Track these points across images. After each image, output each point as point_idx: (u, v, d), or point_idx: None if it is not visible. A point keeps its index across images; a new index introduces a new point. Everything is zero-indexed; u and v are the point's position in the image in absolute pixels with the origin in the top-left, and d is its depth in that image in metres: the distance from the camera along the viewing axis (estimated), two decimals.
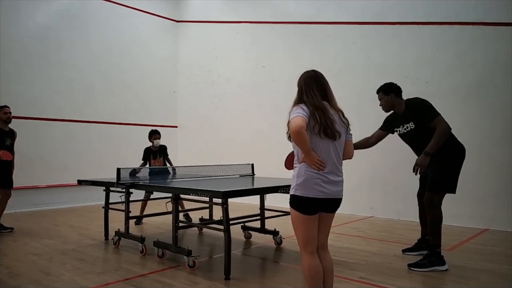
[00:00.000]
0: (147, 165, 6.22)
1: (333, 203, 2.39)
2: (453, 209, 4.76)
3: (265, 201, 4.84)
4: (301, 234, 2.37)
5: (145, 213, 6.00)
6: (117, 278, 3.47)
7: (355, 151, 2.60)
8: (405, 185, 5.97)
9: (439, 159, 3.62)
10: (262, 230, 4.84)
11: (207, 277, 3.47)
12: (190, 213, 6.06)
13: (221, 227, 3.51)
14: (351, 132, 2.50)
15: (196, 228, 5.59)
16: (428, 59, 6.26)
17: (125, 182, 4.38)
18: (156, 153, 6.27)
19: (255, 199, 4.81)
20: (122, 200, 4.54)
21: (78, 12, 8.52)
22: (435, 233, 3.64)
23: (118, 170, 4.49)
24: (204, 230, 5.55)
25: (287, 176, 2.88)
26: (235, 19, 9.12)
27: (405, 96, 3.96)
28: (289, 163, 2.60)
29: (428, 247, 3.75)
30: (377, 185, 6.73)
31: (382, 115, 4.13)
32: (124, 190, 4.44)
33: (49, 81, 8.05)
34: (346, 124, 2.45)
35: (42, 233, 5.48)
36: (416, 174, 3.60)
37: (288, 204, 2.39)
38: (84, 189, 6.78)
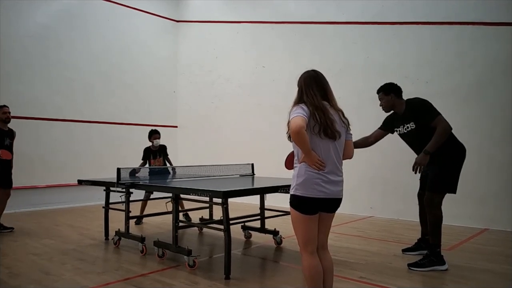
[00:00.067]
0: (147, 165, 6.23)
1: (333, 203, 2.39)
2: (453, 209, 4.76)
3: (265, 201, 4.85)
4: (301, 234, 2.37)
5: (145, 213, 6.00)
6: (117, 278, 3.47)
7: (354, 150, 2.60)
8: (405, 185, 5.97)
9: (439, 159, 3.62)
10: (262, 230, 4.85)
11: (207, 277, 3.47)
12: (190, 213, 6.06)
13: (221, 227, 3.51)
14: (351, 132, 2.50)
15: (196, 228, 5.59)
16: (428, 59, 6.26)
17: (125, 182, 4.39)
18: (156, 153, 6.27)
19: (255, 199, 4.81)
20: (122, 200, 4.55)
21: (78, 12, 8.53)
22: (435, 233, 3.64)
23: (118, 170, 4.50)
24: (204, 230, 5.56)
25: (287, 176, 2.88)
26: (235, 19, 9.13)
27: (405, 96, 3.96)
28: (289, 163, 2.60)
29: (428, 247, 3.75)
30: (377, 185, 6.74)
31: (382, 115, 4.13)
32: (124, 190, 4.44)
33: (49, 81, 8.05)
34: (346, 124, 2.45)
35: (42, 233, 5.48)
36: (415, 173, 3.59)
37: (288, 204, 2.39)
38: (84, 189, 6.77)
